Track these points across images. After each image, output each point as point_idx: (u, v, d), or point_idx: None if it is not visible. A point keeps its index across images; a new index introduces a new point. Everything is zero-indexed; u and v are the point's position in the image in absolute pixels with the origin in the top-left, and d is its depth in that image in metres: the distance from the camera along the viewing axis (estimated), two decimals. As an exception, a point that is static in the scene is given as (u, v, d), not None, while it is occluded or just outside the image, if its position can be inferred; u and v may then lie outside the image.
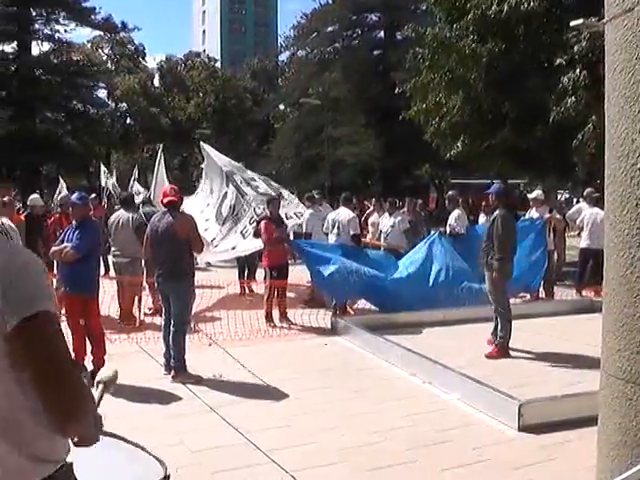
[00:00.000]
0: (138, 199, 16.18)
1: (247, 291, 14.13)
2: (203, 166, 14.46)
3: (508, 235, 8.73)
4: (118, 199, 16.31)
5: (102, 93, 57.79)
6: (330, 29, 49.77)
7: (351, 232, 12.12)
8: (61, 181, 22.52)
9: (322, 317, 11.07)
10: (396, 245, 13.16)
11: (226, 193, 13.77)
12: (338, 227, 12.22)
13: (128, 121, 60.10)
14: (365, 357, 8.89)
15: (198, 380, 7.73)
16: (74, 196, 8.57)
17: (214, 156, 14.87)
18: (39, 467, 2.01)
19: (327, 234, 12.67)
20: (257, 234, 11.63)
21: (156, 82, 65.08)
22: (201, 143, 16.34)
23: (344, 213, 12.43)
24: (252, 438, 5.87)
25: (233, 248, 12.97)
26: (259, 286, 13.03)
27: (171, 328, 7.93)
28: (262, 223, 11.44)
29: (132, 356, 8.76)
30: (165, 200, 8.25)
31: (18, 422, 1.96)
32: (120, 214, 11.53)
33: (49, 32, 51.60)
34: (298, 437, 5.95)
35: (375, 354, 8.83)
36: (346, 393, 7.24)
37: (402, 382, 7.67)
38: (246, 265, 14.56)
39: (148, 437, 5.73)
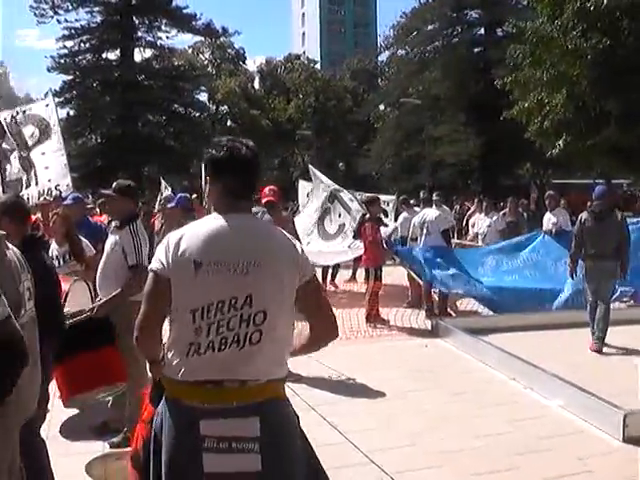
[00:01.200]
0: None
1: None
2: (309, 188, 14.49)
3: (627, 237, 9.10)
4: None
5: (203, 96, 59.14)
6: (430, 27, 49.52)
7: (441, 228, 11.87)
8: (163, 182, 23.04)
9: (422, 318, 11.06)
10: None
11: (328, 209, 13.81)
12: (427, 227, 11.95)
13: (229, 123, 61.16)
14: (465, 360, 8.81)
15: (298, 378, 7.83)
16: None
17: (320, 176, 14.91)
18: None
19: (415, 239, 12.47)
20: (358, 234, 11.75)
21: (256, 84, 66.00)
22: (310, 166, 16.34)
23: (431, 212, 12.21)
24: (351, 438, 5.88)
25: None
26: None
27: None
28: (366, 224, 11.55)
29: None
30: (264, 200, 8.41)
31: (290, 343, 3.14)
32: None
33: (151, 39, 53.12)
34: (398, 438, 5.94)
35: (475, 357, 8.74)
36: (446, 396, 7.19)
37: (502, 386, 7.57)
38: (330, 267, 14.71)
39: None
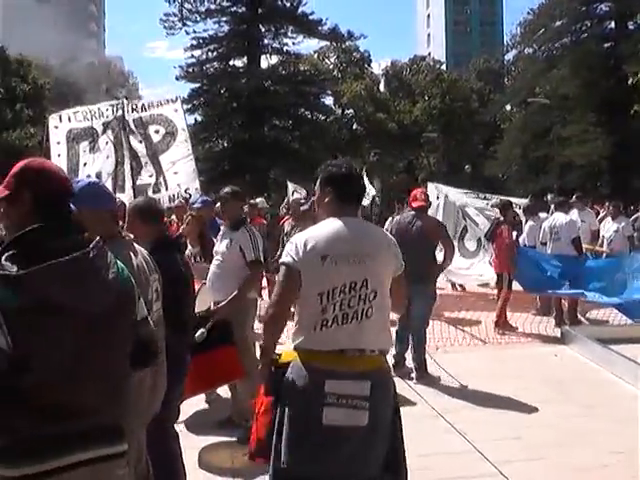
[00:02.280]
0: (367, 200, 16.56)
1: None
2: (437, 203, 14.36)
3: None
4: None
5: (329, 100, 59.61)
6: (558, 23, 48.29)
7: (571, 236, 11.41)
8: (290, 186, 23.33)
9: (551, 326, 10.85)
10: (619, 252, 12.49)
11: (465, 227, 13.63)
12: (556, 233, 11.55)
13: (354, 126, 61.43)
14: (595, 370, 8.53)
15: (430, 381, 7.86)
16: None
17: (445, 190, 14.70)
18: None
19: (545, 244, 12.01)
20: (492, 238, 11.53)
21: (382, 87, 66.02)
22: (430, 184, 15.97)
23: (560, 217, 11.77)
24: (480, 447, 5.83)
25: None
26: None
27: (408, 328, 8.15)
28: (501, 227, 11.36)
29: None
30: (415, 204, 8.44)
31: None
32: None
33: (277, 46, 54.13)
34: (527, 451, 5.83)
35: (606, 368, 8.45)
36: (577, 408, 7.01)
37: (635, 401, 7.28)
38: None
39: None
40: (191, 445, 5.50)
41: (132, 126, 13.30)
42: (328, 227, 3.75)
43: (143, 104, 13.99)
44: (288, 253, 3.70)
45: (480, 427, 6.39)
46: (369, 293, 3.66)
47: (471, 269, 12.82)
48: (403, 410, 6.87)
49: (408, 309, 8.02)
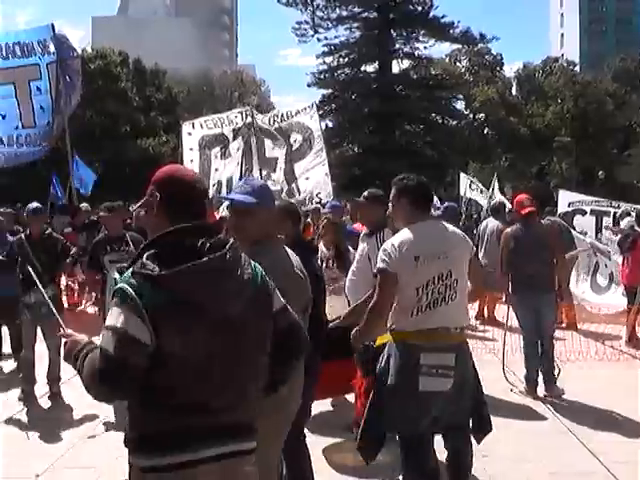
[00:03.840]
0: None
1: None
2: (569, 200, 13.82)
3: None
4: (488, 208, 16.60)
5: (460, 104, 58.99)
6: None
7: None
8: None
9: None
10: None
11: (597, 262, 13.05)
12: None
13: (485, 131, 60.54)
14: None
15: (559, 394, 7.71)
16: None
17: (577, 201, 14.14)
18: None
19: None
20: (628, 248, 11.01)
21: (514, 91, 64.78)
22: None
23: None
24: (614, 469, 5.66)
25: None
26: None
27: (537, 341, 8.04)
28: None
29: (487, 364, 8.62)
30: (524, 211, 8.22)
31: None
32: (487, 222, 11.92)
33: (409, 50, 53.99)
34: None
35: None
36: None
37: None
38: None
39: (502, 449, 5.91)
40: (315, 444, 5.60)
41: (273, 134, 13.60)
42: (415, 232, 4.52)
43: (282, 114, 14.31)
44: (383, 259, 4.48)
45: (613, 448, 6.20)
46: (452, 281, 4.49)
47: (604, 302, 12.36)
48: (533, 424, 6.86)
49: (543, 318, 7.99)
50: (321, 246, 7.64)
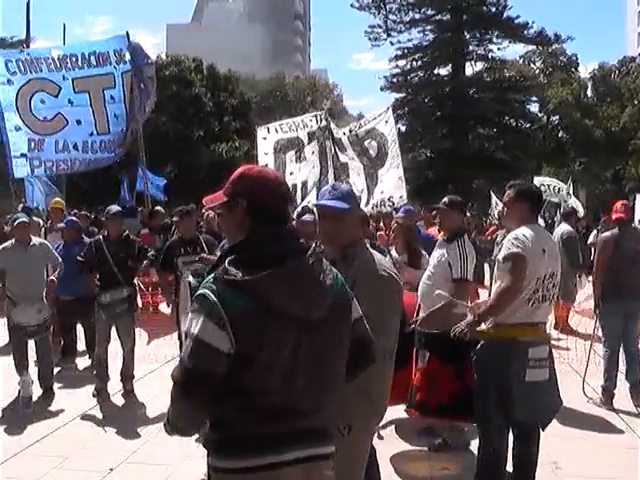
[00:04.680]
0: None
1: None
2: None
3: None
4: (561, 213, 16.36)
5: (534, 107, 58.07)
6: None
7: None
8: (494, 196, 22.96)
9: None
10: None
11: None
12: None
13: (560, 134, 59.43)
14: None
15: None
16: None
17: None
18: None
19: None
20: None
21: (589, 92, 63.43)
22: None
23: None
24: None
25: None
26: None
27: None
28: None
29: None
30: (615, 216, 8.13)
31: None
32: (560, 228, 11.84)
33: (482, 52, 53.44)
34: None
35: None
36: None
37: None
38: None
39: (574, 461, 5.79)
40: (383, 452, 5.58)
41: (344, 141, 13.62)
42: (535, 230, 4.99)
43: (360, 123, 14.37)
44: (517, 245, 4.87)
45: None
46: (556, 282, 5.03)
47: None
48: (607, 437, 6.69)
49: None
50: (393, 252, 7.65)
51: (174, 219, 11.49)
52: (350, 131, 14.10)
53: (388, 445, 6.20)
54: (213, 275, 2.58)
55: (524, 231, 4.94)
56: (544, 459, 5.33)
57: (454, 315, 5.44)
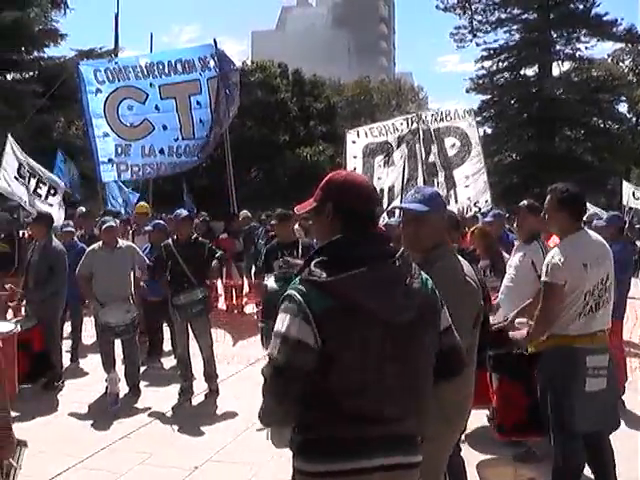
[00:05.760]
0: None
1: None
2: None
3: None
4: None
5: (622, 107, 56.42)
6: None
7: None
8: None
9: None
10: None
11: None
12: None
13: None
14: None
15: None
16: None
17: None
18: None
19: None
20: None
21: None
22: None
23: None
24: None
25: None
26: None
27: None
28: None
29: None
30: None
31: None
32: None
33: (570, 51, 52.18)
34: None
35: None
36: None
37: None
38: None
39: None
40: (470, 458, 5.52)
41: (430, 137, 13.58)
42: (577, 241, 4.87)
43: (441, 113, 14.28)
44: (547, 272, 4.80)
45: None
46: (609, 284, 4.87)
47: None
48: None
49: None
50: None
51: (272, 223, 11.58)
52: (433, 119, 13.93)
53: (470, 452, 6.10)
54: (300, 276, 2.63)
55: (557, 253, 4.82)
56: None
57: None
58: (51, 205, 13.43)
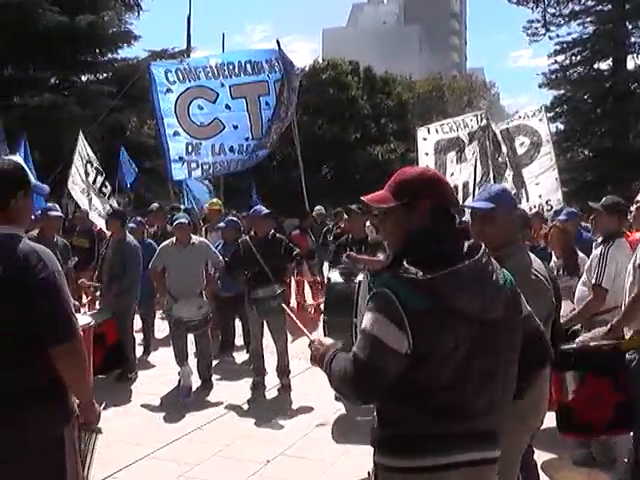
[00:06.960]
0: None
1: None
2: None
3: None
4: None
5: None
6: None
7: None
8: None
9: None
10: None
11: None
12: None
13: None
14: None
15: None
16: None
17: None
18: None
19: None
20: None
21: None
22: None
23: None
24: None
25: None
26: None
27: None
28: None
29: None
30: None
31: None
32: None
33: (649, 43, 50.91)
34: None
35: None
36: None
37: None
38: None
39: None
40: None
41: (499, 137, 13.45)
42: None
43: (512, 114, 14.21)
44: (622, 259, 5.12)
45: None
46: None
47: None
48: None
49: None
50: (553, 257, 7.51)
51: (341, 219, 11.61)
52: (505, 128, 13.89)
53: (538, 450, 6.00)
54: (391, 274, 2.59)
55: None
56: None
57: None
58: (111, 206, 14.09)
